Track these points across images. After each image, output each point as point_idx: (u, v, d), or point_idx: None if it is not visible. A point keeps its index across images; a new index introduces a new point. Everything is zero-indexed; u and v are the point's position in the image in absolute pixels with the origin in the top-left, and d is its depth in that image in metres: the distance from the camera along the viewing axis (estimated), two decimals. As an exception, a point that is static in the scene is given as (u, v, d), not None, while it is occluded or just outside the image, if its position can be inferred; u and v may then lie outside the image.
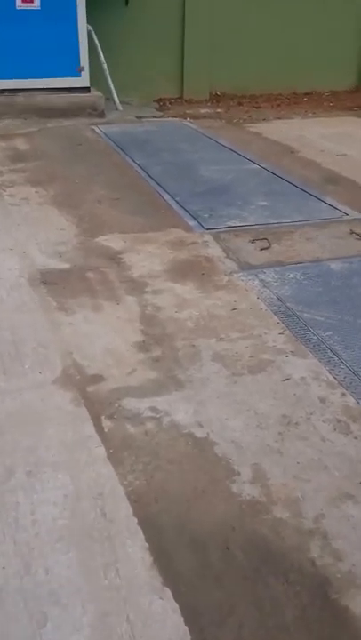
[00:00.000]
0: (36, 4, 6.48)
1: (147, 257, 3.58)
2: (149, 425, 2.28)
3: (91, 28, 7.03)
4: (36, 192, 4.66)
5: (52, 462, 2.10)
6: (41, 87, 7.04)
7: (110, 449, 2.16)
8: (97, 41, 7.21)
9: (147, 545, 1.82)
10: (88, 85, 7.12)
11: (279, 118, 7.31)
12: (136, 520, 1.90)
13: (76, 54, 6.99)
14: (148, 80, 8.10)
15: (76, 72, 7.05)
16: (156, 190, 4.66)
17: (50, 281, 3.31)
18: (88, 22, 6.89)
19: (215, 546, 1.83)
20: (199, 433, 2.24)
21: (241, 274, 3.36)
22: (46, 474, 2.06)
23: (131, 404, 2.38)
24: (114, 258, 3.58)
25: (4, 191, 4.67)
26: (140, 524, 1.89)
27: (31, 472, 2.06)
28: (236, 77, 8.34)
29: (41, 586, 1.70)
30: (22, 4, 6.47)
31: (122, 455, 2.14)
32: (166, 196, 4.51)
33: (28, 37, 6.74)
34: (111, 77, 7.42)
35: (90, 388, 2.47)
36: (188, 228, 3.97)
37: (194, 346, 2.75)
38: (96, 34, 7.12)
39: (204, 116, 7.38)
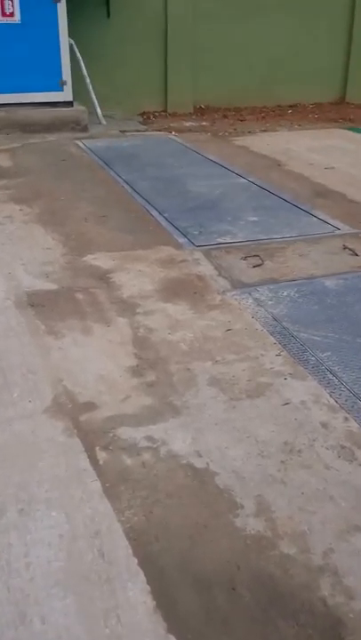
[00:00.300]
0: (17, 18, 6.41)
1: (137, 276, 3.49)
2: (146, 456, 2.18)
3: (72, 41, 6.97)
4: (20, 210, 4.56)
5: (45, 499, 2.00)
6: (23, 102, 6.97)
7: (106, 483, 2.06)
8: (79, 54, 7.15)
9: (148, 587, 1.72)
10: (71, 99, 7.06)
11: (265, 131, 7.27)
12: (136, 560, 1.80)
13: (58, 68, 6.93)
14: (131, 93, 8.05)
15: (59, 86, 6.98)
16: (144, 207, 4.58)
17: (37, 303, 3.21)
18: (69, 35, 6.83)
19: (220, 586, 1.73)
20: (198, 463, 2.15)
21: (234, 292, 3.29)
22: (39, 512, 1.95)
23: (126, 433, 2.29)
24: (103, 277, 3.49)
25: (-12, 209, 4.57)
26: (141, 564, 1.79)
27: (23, 510, 1.96)
28: (220, 90, 8.32)
29: (37, 637, 1.59)
30: (2, 18, 6.40)
31: (118, 489, 2.04)
32: (154, 213, 4.43)
33: (9, 51, 6.67)
34: (94, 91, 7.36)
35: (82, 417, 2.37)
36: (178, 246, 3.89)
37: (189, 369, 2.66)
38: (78, 47, 7.06)
39: (189, 130, 7.33)
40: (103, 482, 2.07)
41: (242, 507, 1.97)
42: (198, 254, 3.76)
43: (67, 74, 6.93)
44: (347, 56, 8.76)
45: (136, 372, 2.65)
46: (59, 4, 6.49)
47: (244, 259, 3.66)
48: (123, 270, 3.57)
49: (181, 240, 3.95)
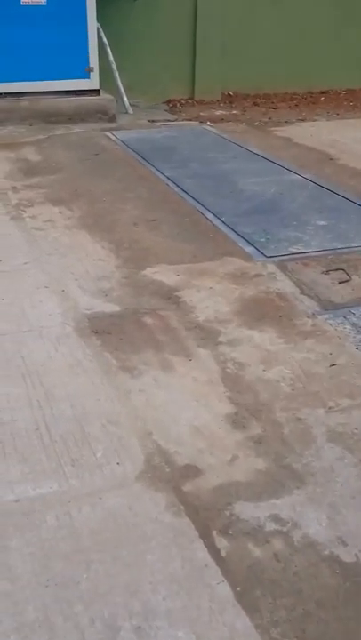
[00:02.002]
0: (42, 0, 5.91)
1: (208, 295, 3.06)
2: (277, 544, 1.76)
3: (99, 25, 6.45)
4: (60, 212, 4.11)
5: (164, 610, 1.58)
6: (47, 90, 6.47)
7: (237, 586, 1.64)
8: (105, 39, 6.64)
9: None
10: (98, 87, 6.56)
11: (302, 120, 6.80)
12: None
13: (85, 54, 6.42)
14: (156, 80, 7.54)
15: (85, 73, 6.48)
16: (196, 209, 4.13)
17: (101, 329, 2.78)
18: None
19: None
20: (345, 555, 1.73)
21: (326, 315, 2.85)
22: (162, 630, 1.53)
23: (245, 510, 1.86)
24: (170, 296, 3.05)
25: (24, 212, 4.12)
26: None
27: (141, 628, 1.54)
28: (248, 76, 7.82)
29: None
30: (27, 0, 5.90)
31: (254, 595, 1.62)
32: (209, 216, 3.99)
33: (33, 36, 6.16)
34: (120, 78, 6.86)
35: (186, 487, 1.95)
36: (247, 257, 3.45)
37: (300, 419, 2.23)
38: (103, 31, 6.56)
39: (222, 119, 6.85)
40: (232, 584, 1.65)
41: None
42: (272, 267, 3.32)
43: (94, 60, 6.43)
44: (382, 39, 8.26)
45: (237, 422, 2.22)
46: (87, -16, 6.01)
47: (327, 273, 3.23)
48: (191, 287, 3.13)
49: (248, 249, 3.51)
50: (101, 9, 6.40)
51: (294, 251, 3.48)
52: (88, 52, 6.31)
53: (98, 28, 6.41)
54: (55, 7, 5.99)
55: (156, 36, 7.36)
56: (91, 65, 6.39)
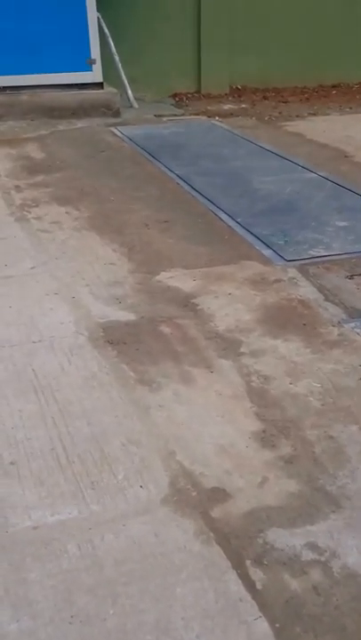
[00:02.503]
0: (41, -11, 5.79)
1: (228, 301, 2.94)
2: (316, 575, 1.65)
3: (99, 14, 6.29)
4: (66, 213, 3.99)
5: (199, 652, 1.47)
6: (47, 84, 6.33)
7: (275, 622, 1.53)
8: (106, 29, 6.49)
9: None
10: (101, 80, 6.43)
11: (314, 115, 6.66)
12: None
13: (85, 45, 6.27)
14: (161, 73, 7.40)
15: (87, 66, 6.33)
16: (209, 209, 4.01)
17: (116, 339, 2.66)
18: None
19: None
20: (390, 589, 1.61)
21: (353, 324, 2.74)
22: (197, 675, 1.42)
23: (280, 538, 1.75)
24: (187, 304, 2.93)
25: (29, 212, 4.00)
26: None
27: (175, 673, 1.42)
28: (257, 69, 7.67)
29: None
30: (23, -13, 5.76)
31: (294, 632, 1.51)
32: (223, 216, 3.86)
33: (32, 26, 6.00)
34: (123, 71, 6.71)
35: (215, 512, 1.84)
36: (265, 260, 3.33)
37: (331, 437, 2.12)
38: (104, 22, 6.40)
39: (231, 114, 6.72)
40: (270, 620, 1.54)
41: None
42: (293, 271, 3.20)
43: (95, 51, 6.28)
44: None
45: (265, 440, 2.11)
46: (87, -29, 5.86)
47: (351, 277, 3.11)
48: (208, 293, 3.01)
49: (267, 252, 3.39)
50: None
51: (315, 254, 3.36)
52: (89, 43, 6.15)
53: (98, 18, 6.24)
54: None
55: (160, 26, 7.21)
56: (93, 57, 6.24)
